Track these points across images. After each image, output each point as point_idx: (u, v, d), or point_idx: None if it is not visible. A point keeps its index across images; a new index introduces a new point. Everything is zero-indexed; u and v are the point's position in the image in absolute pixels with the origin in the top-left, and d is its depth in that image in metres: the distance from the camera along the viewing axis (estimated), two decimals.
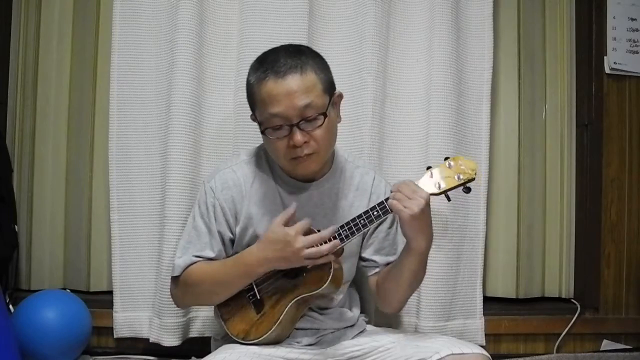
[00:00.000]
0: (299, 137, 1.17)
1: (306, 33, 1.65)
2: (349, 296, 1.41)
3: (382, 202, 1.20)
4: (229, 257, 1.30)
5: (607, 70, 1.89)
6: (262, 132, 1.22)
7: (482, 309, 1.75)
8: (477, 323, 1.74)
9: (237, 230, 1.30)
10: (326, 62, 1.26)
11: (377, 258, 1.35)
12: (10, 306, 1.65)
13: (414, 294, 1.64)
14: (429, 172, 1.22)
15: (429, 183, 1.20)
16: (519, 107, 1.92)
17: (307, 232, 1.18)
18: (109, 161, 1.69)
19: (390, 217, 1.32)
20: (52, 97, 1.85)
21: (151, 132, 1.69)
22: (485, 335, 1.75)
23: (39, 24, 1.85)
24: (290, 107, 1.16)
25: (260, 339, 1.22)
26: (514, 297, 1.90)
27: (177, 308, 1.56)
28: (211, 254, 1.28)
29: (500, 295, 1.90)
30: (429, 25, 1.71)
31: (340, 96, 1.28)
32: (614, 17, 1.89)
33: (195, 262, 1.27)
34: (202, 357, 1.23)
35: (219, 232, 1.29)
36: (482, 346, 1.43)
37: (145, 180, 1.69)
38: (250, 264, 1.21)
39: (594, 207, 1.90)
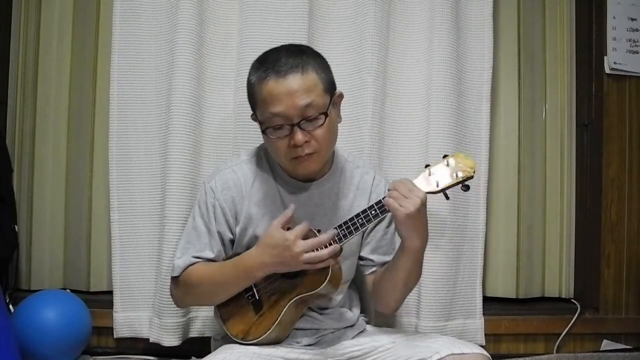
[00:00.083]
0: (299, 136, 1.17)
1: (306, 33, 1.65)
2: (349, 296, 1.41)
3: (379, 201, 1.20)
4: (228, 257, 1.30)
5: (607, 70, 1.89)
6: (263, 132, 1.22)
7: (482, 309, 1.75)
8: (477, 323, 1.75)
9: (237, 230, 1.30)
10: (327, 62, 1.26)
11: (374, 257, 1.35)
12: (10, 306, 1.65)
13: (414, 294, 1.66)
14: (427, 170, 1.20)
15: (427, 181, 1.19)
16: (519, 107, 1.92)
17: (306, 233, 1.17)
18: (109, 161, 1.69)
19: (388, 216, 1.31)
20: (52, 97, 1.85)
21: (151, 132, 1.69)
22: (485, 335, 1.75)
23: (39, 24, 1.85)
24: (291, 107, 1.16)
25: (259, 339, 1.22)
26: (514, 297, 1.90)
27: (177, 308, 1.56)
28: (210, 255, 1.28)
29: (500, 295, 1.90)
30: (429, 25, 1.71)
31: (341, 96, 1.28)
32: (614, 17, 1.89)
33: (194, 263, 1.27)
34: (202, 357, 1.22)
35: (219, 233, 1.29)
36: (482, 346, 1.43)
37: (145, 180, 1.69)
38: (248, 268, 1.20)
39: (594, 207, 1.90)
